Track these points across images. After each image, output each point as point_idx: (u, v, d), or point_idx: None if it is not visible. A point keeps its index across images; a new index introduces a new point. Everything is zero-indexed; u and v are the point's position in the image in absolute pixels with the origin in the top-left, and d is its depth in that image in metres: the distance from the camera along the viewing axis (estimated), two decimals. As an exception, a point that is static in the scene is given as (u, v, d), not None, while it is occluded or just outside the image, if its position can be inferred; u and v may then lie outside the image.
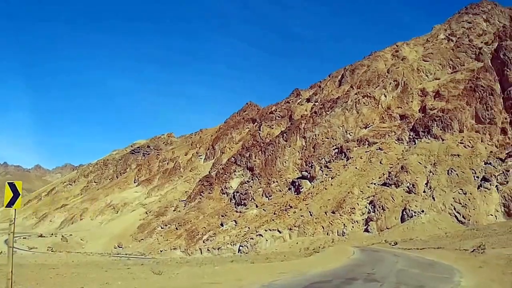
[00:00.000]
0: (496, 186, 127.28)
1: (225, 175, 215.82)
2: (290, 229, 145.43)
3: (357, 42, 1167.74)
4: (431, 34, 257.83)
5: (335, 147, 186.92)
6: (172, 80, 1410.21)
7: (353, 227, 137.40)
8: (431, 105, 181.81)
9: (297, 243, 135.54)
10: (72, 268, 48.96)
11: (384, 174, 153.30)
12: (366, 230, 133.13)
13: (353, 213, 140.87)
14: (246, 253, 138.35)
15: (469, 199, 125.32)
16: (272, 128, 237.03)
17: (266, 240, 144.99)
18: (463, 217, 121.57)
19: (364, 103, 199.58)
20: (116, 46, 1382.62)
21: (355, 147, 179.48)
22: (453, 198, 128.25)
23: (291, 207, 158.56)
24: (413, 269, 39.85)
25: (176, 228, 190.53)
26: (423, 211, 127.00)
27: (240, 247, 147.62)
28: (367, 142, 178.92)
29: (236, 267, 45.21)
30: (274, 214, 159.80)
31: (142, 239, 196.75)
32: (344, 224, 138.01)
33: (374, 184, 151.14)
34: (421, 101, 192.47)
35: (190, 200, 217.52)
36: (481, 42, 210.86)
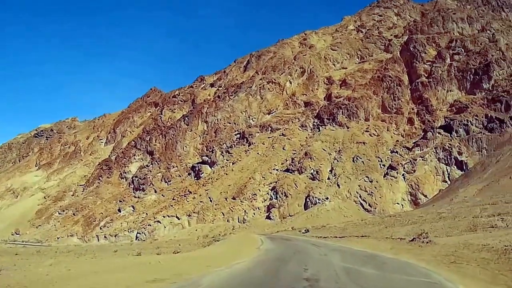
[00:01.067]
0: (403, 174, 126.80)
1: (124, 159, 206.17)
2: (189, 215, 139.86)
3: (266, 31, 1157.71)
4: (341, 25, 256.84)
5: (237, 132, 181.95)
6: (79, 63, 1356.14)
7: (254, 214, 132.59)
8: (337, 93, 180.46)
9: (196, 230, 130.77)
10: None
11: (287, 160, 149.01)
12: (268, 217, 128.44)
13: (254, 199, 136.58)
14: (144, 240, 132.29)
15: (375, 187, 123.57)
16: (174, 112, 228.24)
17: (165, 227, 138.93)
18: (369, 205, 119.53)
19: (268, 89, 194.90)
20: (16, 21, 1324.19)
21: (258, 132, 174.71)
22: (359, 185, 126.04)
23: (190, 192, 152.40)
24: (362, 267, 28.13)
25: (74, 214, 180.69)
26: (327, 198, 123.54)
27: (138, 234, 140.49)
28: (270, 128, 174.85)
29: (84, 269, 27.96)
30: (173, 199, 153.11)
31: (39, 225, 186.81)
32: (245, 211, 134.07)
33: (277, 170, 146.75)
34: (327, 89, 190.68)
35: (88, 185, 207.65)
36: (391, 35, 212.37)
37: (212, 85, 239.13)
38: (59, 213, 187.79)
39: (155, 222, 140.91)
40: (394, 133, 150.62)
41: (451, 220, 59.19)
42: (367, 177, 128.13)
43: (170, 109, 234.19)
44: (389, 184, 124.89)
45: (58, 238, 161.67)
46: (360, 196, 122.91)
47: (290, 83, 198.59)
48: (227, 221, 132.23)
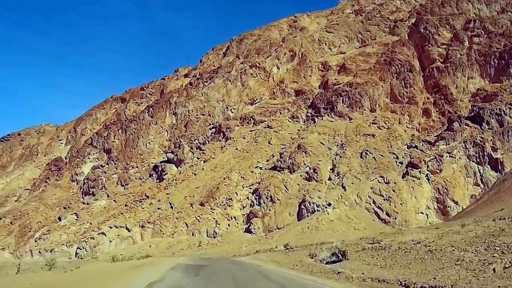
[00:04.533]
0: (426, 175, 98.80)
1: (78, 159, 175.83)
2: (143, 226, 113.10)
3: (251, 17, 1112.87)
4: (336, 8, 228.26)
5: (212, 126, 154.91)
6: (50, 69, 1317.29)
7: (229, 225, 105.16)
8: (335, 79, 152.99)
9: (150, 246, 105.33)
10: None
11: (273, 156, 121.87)
12: (248, 231, 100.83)
13: (229, 205, 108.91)
14: (82, 258, 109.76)
15: (393, 190, 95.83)
16: (140, 106, 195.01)
17: (110, 241, 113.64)
18: (387, 214, 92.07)
19: (251, 74, 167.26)
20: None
21: (238, 126, 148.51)
22: (371, 188, 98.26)
23: (147, 197, 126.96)
24: None
25: (11, 223, 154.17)
26: (329, 204, 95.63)
27: (78, 250, 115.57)
28: (252, 121, 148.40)
29: None
30: (126, 206, 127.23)
31: None
32: (216, 221, 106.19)
33: (260, 168, 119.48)
34: (322, 76, 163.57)
35: (34, 189, 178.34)
36: (395, 19, 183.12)
37: (186, 76, 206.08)
38: None
39: (99, 234, 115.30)
40: (408, 127, 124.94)
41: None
42: (381, 177, 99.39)
43: (136, 102, 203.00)
44: (410, 186, 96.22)
45: None
46: (374, 202, 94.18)
47: (278, 68, 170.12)
48: (192, 234, 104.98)
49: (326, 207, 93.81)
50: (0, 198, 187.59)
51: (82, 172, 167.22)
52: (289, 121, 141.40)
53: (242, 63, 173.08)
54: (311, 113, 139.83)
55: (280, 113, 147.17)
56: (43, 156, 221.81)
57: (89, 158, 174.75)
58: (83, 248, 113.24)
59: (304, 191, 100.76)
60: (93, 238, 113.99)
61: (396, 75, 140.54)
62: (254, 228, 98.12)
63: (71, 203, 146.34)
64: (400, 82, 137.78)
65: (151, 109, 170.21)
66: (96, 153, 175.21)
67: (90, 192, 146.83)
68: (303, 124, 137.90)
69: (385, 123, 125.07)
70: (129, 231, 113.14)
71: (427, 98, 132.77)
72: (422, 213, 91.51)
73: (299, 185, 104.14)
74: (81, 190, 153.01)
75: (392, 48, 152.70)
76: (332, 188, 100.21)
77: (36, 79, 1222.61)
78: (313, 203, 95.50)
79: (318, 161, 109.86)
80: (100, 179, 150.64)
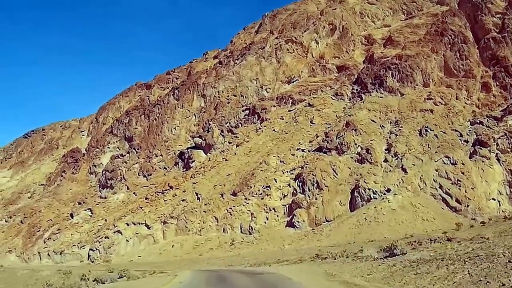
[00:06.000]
0: (496, 154, 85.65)
1: (96, 149, 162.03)
2: (165, 222, 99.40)
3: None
4: None
5: (245, 107, 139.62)
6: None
7: (267, 218, 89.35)
8: (381, 53, 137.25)
9: (173, 246, 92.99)
10: None
11: (317, 136, 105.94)
12: (291, 224, 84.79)
13: (267, 194, 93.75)
14: (93, 261, 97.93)
15: (461, 172, 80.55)
16: (165, 90, 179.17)
17: (127, 241, 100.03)
18: (457, 201, 76.96)
19: (287, 50, 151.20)
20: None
21: (274, 106, 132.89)
22: (436, 170, 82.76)
23: (171, 188, 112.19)
24: None
25: (22, 222, 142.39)
26: (388, 190, 79.78)
27: (91, 251, 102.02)
28: (291, 100, 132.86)
29: None
30: (146, 199, 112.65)
31: None
32: (252, 214, 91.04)
33: (302, 150, 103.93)
34: (366, 50, 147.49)
35: (49, 184, 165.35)
36: None
37: (215, 57, 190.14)
38: (5, 221, 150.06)
39: (114, 232, 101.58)
40: (467, 102, 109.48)
41: None
42: (446, 157, 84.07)
43: (162, 87, 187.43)
44: (480, 168, 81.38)
45: None
46: (440, 187, 78.96)
47: (317, 43, 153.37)
48: (223, 231, 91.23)
49: (385, 194, 78.02)
50: (13, 195, 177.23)
51: (101, 163, 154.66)
52: (332, 98, 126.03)
53: (276, 38, 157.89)
54: (357, 90, 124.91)
55: (322, 91, 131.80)
56: (63, 149, 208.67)
57: (108, 147, 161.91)
58: (96, 249, 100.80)
59: (357, 175, 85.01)
60: (108, 238, 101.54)
61: (449, 46, 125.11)
62: (298, 221, 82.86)
63: (86, 198, 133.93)
64: (455, 54, 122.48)
65: (176, 91, 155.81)
66: (116, 141, 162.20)
67: (108, 185, 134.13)
68: (348, 102, 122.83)
69: (442, 99, 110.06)
70: (148, 228, 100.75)
71: (485, 71, 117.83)
72: (494, 200, 76.97)
73: (350, 168, 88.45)
74: (99, 183, 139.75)
75: (443, 18, 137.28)
76: (390, 171, 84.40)
77: (65, 77, 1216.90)
78: (369, 189, 79.75)
79: (371, 140, 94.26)
80: (119, 169, 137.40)
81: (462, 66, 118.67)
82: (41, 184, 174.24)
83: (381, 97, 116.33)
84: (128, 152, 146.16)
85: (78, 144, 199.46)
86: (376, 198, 77.87)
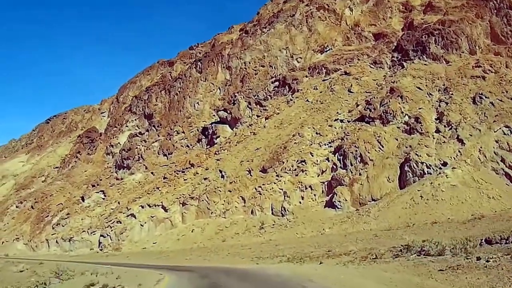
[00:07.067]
0: None
1: (114, 128, 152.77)
2: (184, 203, 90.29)
3: None
4: None
5: (274, 78, 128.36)
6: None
7: (303, 198, 77.96)
8: (421, 19, 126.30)
9: (192, 230, 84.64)
10: None
11: (358, 105, 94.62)
12: (331, 204, 72.93)
13: (302, 170, 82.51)
14: (102, 249, 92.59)
15: None
16: (188, 65, 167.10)
17: (141, 226, 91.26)
18: None
19: (319, 17, 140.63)
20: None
21: (306, 76, 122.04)
22: (496, 141, 70.81)
23: (192, 165, 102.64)
24: None
25: (32, 207, 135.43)
26: (445, 163, 68.06)
27: (102, 238, 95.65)
28: (324, 70, 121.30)
29: None
30: (164, 179, 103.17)
31: None
32: (285, 193, 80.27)
33: (341, 121, 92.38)
34: (405, 17, 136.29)
35: (63, 166, 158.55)
36: None
37: (241, 30, 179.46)
38: (16, 206, 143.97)
39: (127, 216, 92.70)
40: None
41: None
42: (506, 127, 72.19)
43: (184, 62, 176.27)
44: None
45: (2, 243, 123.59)
46: (503, 160, 66.78)
47: (351, 10, 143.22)
48: (251, 212, 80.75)
49: (440, 168, 66.39)
50: (26, 179, 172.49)
51: (119, 143, 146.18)
52: (370, 67, 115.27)
53: (307, 5, 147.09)
54: (397, 57, 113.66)
55: (358, 59, 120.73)
56: (81, 131, 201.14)
57: (127, 126, 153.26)
58: (107, 235, 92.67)
59: (406, 147, 73.48)
60: (120, 222, 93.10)
61: (495, 11, 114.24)
62: (338, 201, 71.02)
63: (101, 180, 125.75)
64: (501, 19, 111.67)
65: (199, 63, 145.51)
66: (135, 119, 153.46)
67: (125, 165, 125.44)
68: (388, 70, 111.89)
69: (491, 67, 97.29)
70: (166, 210, 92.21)
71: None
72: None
73: (397, 139, 76.92)
74: (115, 164, 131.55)
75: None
76: (444, 142, 72.11)
77: (94, 59, 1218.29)
78: (422, 162, 68.09)
79: (419, 108, 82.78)
80: (137, 148, 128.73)
81: (510, 33, 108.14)
82: (56, 167, 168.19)
83: (425, 65, 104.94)
84: (148, 130, 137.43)
85: (97, 124, 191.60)
86: (430, 173, 66.38)
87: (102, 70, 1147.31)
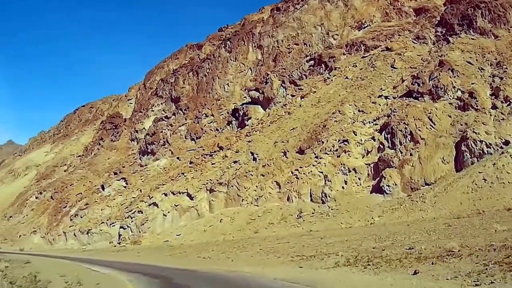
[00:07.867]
0: None
1: (140, 113, 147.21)
2: (211, 190, 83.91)
3: None
4: None
5: (309, 57, 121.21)
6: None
7: (346, 182, 69.51)
8: None
9: (220, 220, 77.79)
10: None
11: (403, 80, 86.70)
12: (378, 189, 64.60)
13: (345, 151, 73.37)
14: (120, 243, 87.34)
15: None
16: (216, 46, 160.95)
17: (164, 215, 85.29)
18: None
19: None
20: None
21: (344, 54, 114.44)
22: None
23: (221, 149, 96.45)
24: None
25: (52, 197, 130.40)
26: (507, 142, 60.23)
27: (121, 230, 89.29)
28: (363, 47, 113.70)
29: None
30: (190, 164, 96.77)
31: (11, 216, 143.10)
32: (325, 177, 71.29)
33: (386, 97, 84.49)
34: None
35: (86, 154, 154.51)
36: None
37: (272, 10, 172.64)
38: (36, 197, 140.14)
39: (149, 205, 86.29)
40: None
41: None
42: None
43: (214, 44, 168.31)
44: None
45: (20, 237, 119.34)
46: None
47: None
48: (287, 199, 72.56)
49: (502, 147, 58.75)
50: (48, 168, 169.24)
51: (144, 128, 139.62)
52: (413, 42, 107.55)
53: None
54: (441, 32, 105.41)
55: (399, 35, 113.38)
56: (105, 118, 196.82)
57: (152, 110, 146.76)
58: (128, 226, 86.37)
59: (461, 124, 65.65)
60: (141, 212, 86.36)
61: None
62: (387, 185, 62.68)
63: (124, 167, 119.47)
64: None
65: (228, 43, 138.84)
66: (161, 103, 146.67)
67: (149, 150, 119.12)
68: (433, 46, 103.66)
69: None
70: (191, 198, 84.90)
71: None
72: None
73: (450, 116, 69.10)
74: (139, 150, 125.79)
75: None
76: (503, 119, 64.32)
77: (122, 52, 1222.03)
78: (481, 141, 60.43)
79: (472, 83, 74.90)
80: (162, 132, 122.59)
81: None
82: (78, 156, 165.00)
83: (473, 39, 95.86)
84: (174, 114, 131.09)
85: (123, 111, 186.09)
86: (491, 153, 58.83)
87: (130, 58, 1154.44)
